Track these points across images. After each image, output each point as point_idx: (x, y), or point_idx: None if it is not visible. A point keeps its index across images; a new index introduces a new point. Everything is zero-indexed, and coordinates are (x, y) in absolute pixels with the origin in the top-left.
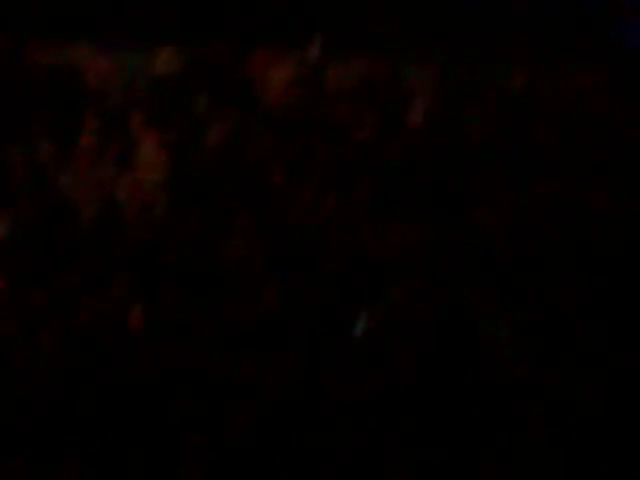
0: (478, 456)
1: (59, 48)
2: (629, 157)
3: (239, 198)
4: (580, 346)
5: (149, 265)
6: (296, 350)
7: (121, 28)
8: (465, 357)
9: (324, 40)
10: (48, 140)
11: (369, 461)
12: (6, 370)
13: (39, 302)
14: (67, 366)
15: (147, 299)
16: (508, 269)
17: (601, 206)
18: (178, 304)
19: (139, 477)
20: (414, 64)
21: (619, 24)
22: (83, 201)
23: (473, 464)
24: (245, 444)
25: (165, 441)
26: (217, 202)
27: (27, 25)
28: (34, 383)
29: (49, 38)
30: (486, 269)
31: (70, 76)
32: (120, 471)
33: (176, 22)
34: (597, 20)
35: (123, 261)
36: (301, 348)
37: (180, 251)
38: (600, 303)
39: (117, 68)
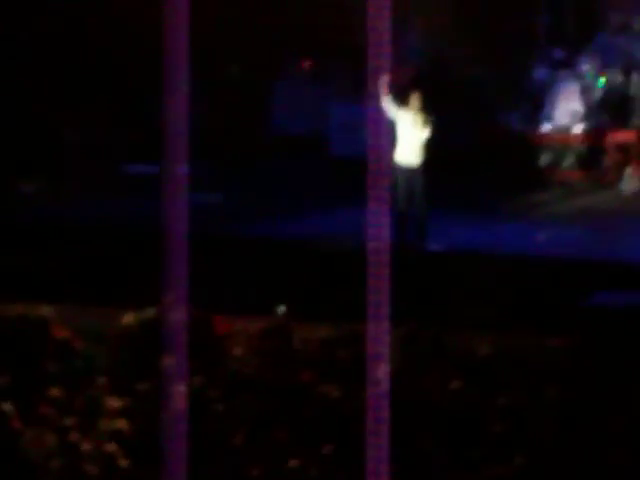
0: None
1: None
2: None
3: (202, 460)
4: None
5: None
6: None
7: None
8: None
9: (289, 307)
10: (12, 394)
11: None
12: None
13: None
14: None
15: None
16: None
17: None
18: None
19: None
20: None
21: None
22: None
23: None
24: None
25: None
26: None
27: None
28: None
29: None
30: None
31: (36, 330)
32: None
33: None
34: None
35: None
36: None
37: None
38: None
39: (81, 328)
